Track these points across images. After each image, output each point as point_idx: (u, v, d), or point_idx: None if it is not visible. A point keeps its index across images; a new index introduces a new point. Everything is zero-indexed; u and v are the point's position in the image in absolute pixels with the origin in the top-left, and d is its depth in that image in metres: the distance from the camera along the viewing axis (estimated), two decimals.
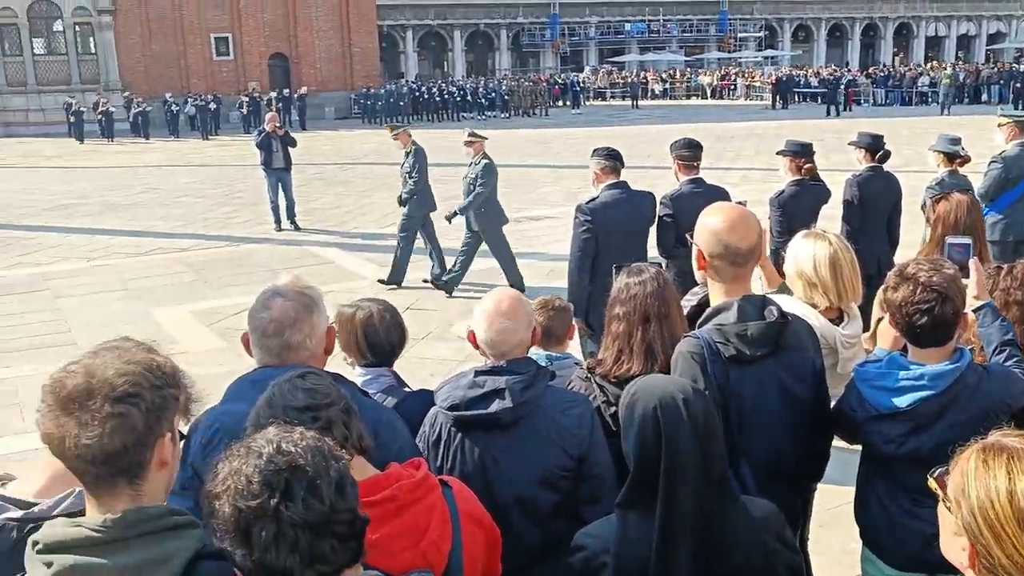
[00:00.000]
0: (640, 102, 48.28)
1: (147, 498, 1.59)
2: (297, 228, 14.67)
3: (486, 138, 10.57)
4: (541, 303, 3.69)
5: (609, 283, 3.09)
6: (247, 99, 40.03)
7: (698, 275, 2.90)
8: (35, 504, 1.75)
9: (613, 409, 2.74)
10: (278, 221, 14.80)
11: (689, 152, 6.04)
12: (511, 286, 10.47)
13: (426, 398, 2.82)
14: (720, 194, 5.60)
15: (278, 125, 15.14)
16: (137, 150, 32.43)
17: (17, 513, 1.74)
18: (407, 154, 11.06)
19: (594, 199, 5.73)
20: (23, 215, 17.41)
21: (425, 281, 10.66)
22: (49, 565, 1.48)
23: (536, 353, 3.87)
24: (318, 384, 2.00)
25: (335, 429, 1.91)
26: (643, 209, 5.81)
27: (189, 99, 39.12)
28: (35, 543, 1.52)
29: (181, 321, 9.64)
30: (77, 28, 42.70)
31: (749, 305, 2.72)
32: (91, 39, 43.04)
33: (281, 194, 14.77)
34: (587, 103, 49.05)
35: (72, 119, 36.76)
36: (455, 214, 10.37)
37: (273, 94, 41.40)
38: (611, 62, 60.32)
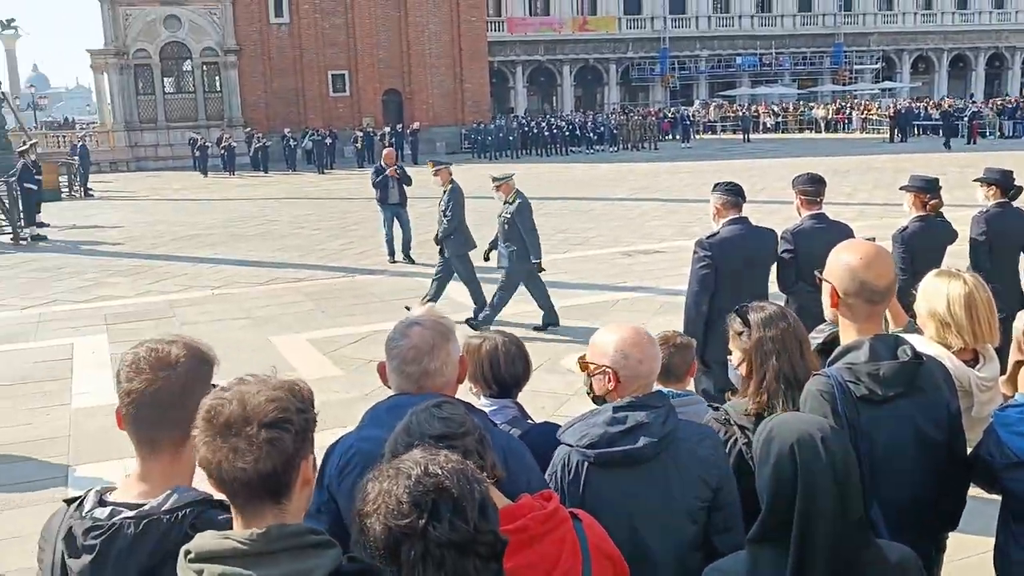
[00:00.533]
0: (751, 135, 47.70)
1: (290, 516, 1.68)
2: (411, 261, 14.97)
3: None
4: (663, 338, 3.66)
5: (727, 320, 3.07)
6: (362, 134, 41.24)
7: (829, 313, 2.85)
8: (142, 504, 1.89)
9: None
10: (392, 253, 15.16)
11: (812, 187, 5.94)
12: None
13: (550, 431, 2.83)
14: (843, 230, 5.48)
15: (395, 166, 15.56)
16: (257, 183, 33.74)
17: (130, 513, 1.87)
18: (444, 192, 11.23)
19: (714, 234, 5.66)
20: (153, 245, 18.29)
21: (468, 321, 10.33)
22: (200, 573, 1.58)
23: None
24: (454, 413, 2.06)
25: (470, 458, 1.96)
26: (765, 245, 5.71)
27: (306, 134, 40.47)
28: (187, 552, 1.62)
29: (299, 349, 9.93)
30: (204, 68, 44.83)
31: (881, 344, 2.66)
32: (216, 78, 45.13)
33: (397, 228, 15.16)
34: (697, 137, 48.73)
35: (197, 153, 38.55)
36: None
37: (387, 129, 42.50)
38: (722, 95, 59.84)
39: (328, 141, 39.53)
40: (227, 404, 1.64)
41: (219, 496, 1.77)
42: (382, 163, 15.74)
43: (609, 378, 2.68)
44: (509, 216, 10.07)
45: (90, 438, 7.23)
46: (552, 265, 13.95)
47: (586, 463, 2.59)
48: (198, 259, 16.30)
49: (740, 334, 2.99)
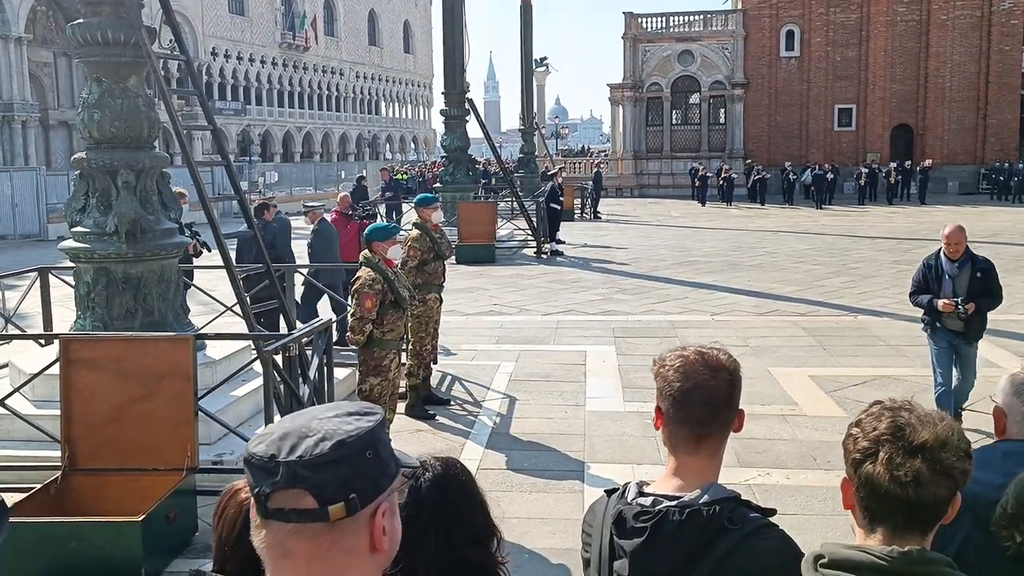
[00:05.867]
0: None
1: (928, 544, 1.67)
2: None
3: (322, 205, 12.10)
4: None
5: None
6: (865, 170, 39.51)
7: None
8: (680, 496, 2.00)
9: None
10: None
11: None
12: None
13: None
14: None
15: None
16: (753, 215, 33.95)
17: (673, 503, 1.99)
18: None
19: None
20: (655, 267, 19.24)
21: None
22: None
23: None
24: None
25: None
26: None
27: (807, 168, 39.77)
28: (819, 557, 1.66)
29: (800, 384, 9.71)
30: (711, 100, 46.30)
31: None
32: (722, 110, 46.38)
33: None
34: None
35: (697, 183, 39.84)
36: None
37: (893, 165, 40.25)
38: None
39: (829, 176, 38.48)
40: (920, 427, 1.66)
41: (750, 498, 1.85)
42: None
43: None
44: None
45: (603, 440, 7.76)
46: None
47: None
48: (697, 284, 16.79)
49: None
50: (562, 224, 24.49)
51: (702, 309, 14.27)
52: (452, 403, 9.14)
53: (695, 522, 1.96)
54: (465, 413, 8.84)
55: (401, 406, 8.58)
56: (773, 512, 2.05)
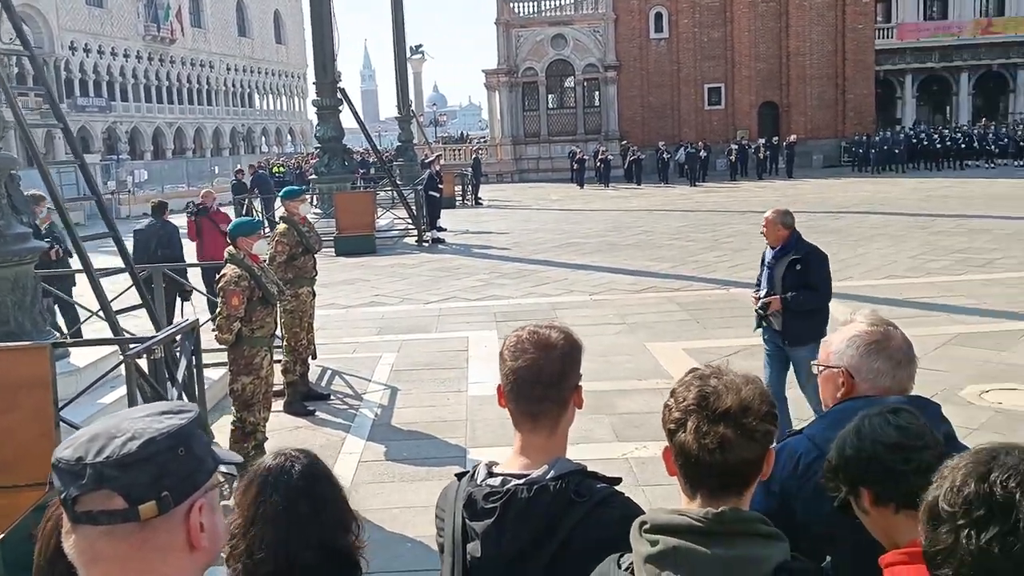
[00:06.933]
0: None
1: (745, 504, 1.73)
2: None
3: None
4: None
5: None
6: (735, 147, 40.80)
7: None
8: (527, 474, 2.04)
9: None
10: None
11: None
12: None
13: None
14: None
15: None
16: (630, 195, 34.61)
17: (520, 481, 2.03)
18: None
19: None
20: (535, 251, 19.43)
21: None
22: (655, 543, 1.66)
23: None
24: (911, 423, 1.92)
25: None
26: None
27: (680, 147, 40.80)
28: (643, 523, 1.71)
29: (675, 357, 9.98)
30: (585, 83, 46.91)
31: None
32: (596, 93, 47.06)
33: None
34: None
35: (575, 166, 40.36)
36: None
37: (761, 141, 41.70)
38: None
39: (702, 154, 39.58)
40: (725, 393, 1.70)
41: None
42: None
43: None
44: None
45: (486, 424, 7.80)
46: (947, 288, 12.84)
47: None
48: (577, 265, 17.04)
49: None
50: (443, 211, 24.44)
51: (581, 290, 14.49)
52: (332, 397, 9.04)
53: (542, 498, 1.99)
54: (346, 407, 8.75)
55: (280, 403, 8.45)
56: (618, 480, 2.11)
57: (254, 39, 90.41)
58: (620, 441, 7.21)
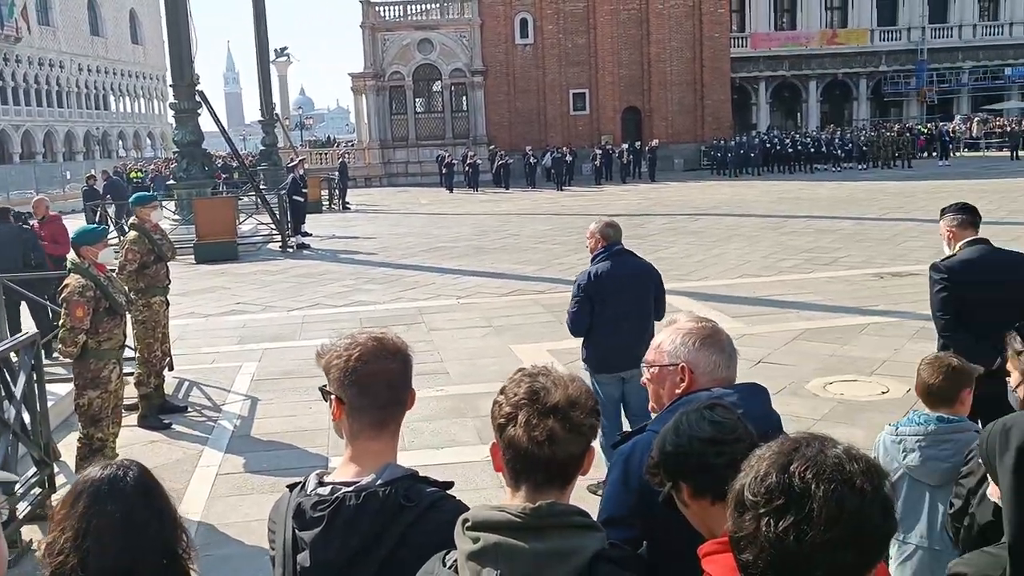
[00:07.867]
0: (1021, 152, 43.71)
1: (567, 498, 1.79)
2: None
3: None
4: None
5: (1008, 340, 2.83)
6: (600, 152, 41.66)
7: None
8: (358, 482, 2.05)
9: None
10: None
11: None
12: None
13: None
14: None
15: None
16: (498, 199, 34.86)
17: (350, 488, 2.04)
18: None
19: (950, 257, 5.14)
20: (403, 255, 19.34)
21: None
22: (476, 540, 1.70)
23: (927, 415, 3.61)
24: (726, 417, 1.99)
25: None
26: (1015, 267, 5.00)
27: (547, 152, 41.36)
28: (465, 521, 1.74)
29: (539, 358, 10.06)
30: (452, 88, 47.00)
31: None
32: (464, 98, 47.21)
33: None
34: (955, 154, 45.32)
35: (444, 170, 40.39)
36: None
37: (625, 146, 42.73)
38: (986, 110, 55.37)
39: (568, 159, 40.23)
40: (554, 389, 1.77)
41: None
42: None
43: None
44: None
45: None
46: (797, 285, 13.43)
47: None
48: (445, 270, 17.04)
49: (1020, 354, 2.78)
50: (309, 216, 24.04)
51: (448, 294, 14.51)
52: (190, 410, 8.76)
53: (371, 505, 2.00)
54: (204, 419, 8.50)
55: (133, 417, 8.14)
56: (450, 484, 2.13)
57: (108, 38, 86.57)
58: (484, 444, 7.24)
